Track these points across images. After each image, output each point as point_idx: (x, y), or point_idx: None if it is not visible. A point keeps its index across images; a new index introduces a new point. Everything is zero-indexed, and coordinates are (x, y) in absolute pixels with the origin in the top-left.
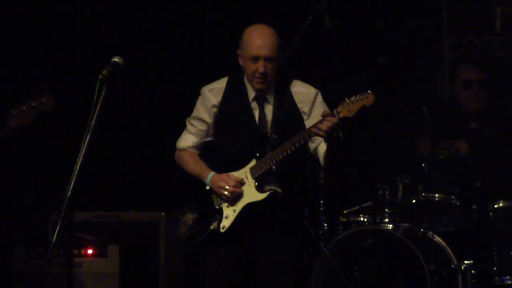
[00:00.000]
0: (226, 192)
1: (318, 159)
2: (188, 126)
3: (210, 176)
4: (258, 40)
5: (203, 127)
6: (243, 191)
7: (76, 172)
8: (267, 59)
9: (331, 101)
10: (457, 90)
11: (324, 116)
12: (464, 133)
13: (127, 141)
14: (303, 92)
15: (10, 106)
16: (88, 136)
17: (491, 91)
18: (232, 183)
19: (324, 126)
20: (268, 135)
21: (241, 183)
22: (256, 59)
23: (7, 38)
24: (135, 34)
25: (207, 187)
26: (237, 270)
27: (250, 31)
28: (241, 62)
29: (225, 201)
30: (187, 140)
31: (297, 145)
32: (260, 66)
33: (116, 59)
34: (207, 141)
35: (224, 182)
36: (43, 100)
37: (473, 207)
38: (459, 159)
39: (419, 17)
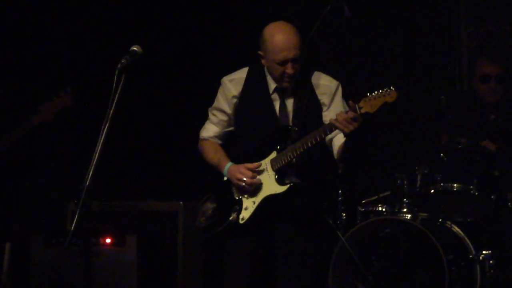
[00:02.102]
0: (244, 184)
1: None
2: (210, 116)
3: (227, 166)
4: (283, 43)
5: (224, 117)
6: (261, 181)
7: (94, 161)
8: (294, 60)
9: (350, 91)
10: (475, 83)
11: (347, 111)
12: (483, 125)
13: (146, 130)
14: (324, 84)
15: (35, 104)
16: (107, 125)
17: (509, 84)
18: (250, 174)
19: (346, 121)
20: (290, 127)
21: (257, 171)
22: (284, 63)
23: (24, 36)
24: (155, 23)
25: (225, 178)
26: (256, 261)
27: (271, 32)
28: (263, 62)
29: (244, 192)
30: (209, 130)
31: (318, 139)
32: (289, 68)
33: (135, 48)
34: (229, 131)
35: (242, 174)
36: (64, 98)
37: (492, 197)
38: (478, 149)
39: (437, 6)
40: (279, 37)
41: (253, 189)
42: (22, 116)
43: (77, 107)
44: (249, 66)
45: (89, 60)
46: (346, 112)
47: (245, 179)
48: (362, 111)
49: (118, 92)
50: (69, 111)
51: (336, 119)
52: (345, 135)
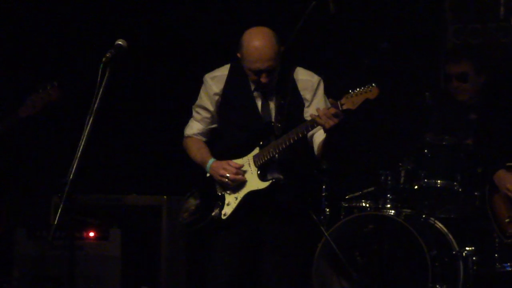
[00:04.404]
0: (227, 180)
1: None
2: (194, 113)
3: (209, 163)
4: (258, 54)
5: (207, 114)
6: (245, 178)
7: (78, 155)
8: (268, 71)
9: (334, 88)
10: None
11: (329, 107)
12: (464, 123)
13: (130, 124)
14: (306, 79)
15: (21, 97)
16: (91, 119)
17: (476, 83)
18: (234, 170)
19: (327, 116)
20: (272, 123)
21: (241, 169)
22: (257, 73)
23: (11, 29)
24: (141, 17)
25: (207, 174)
26: (240, 256)
27: (248, 39)
28: (242, 63)
29: (226, 188)
30: (193, 127)
31: (300, 135)
32: (263, 78)
33: (119, 42)
34: (213, 128)
35: (225, 170)
36: (50, 92)
37: (475, 193)
38: (461, 145)
39: (423, 3)
40: (255, 46)
41: (236, 185)
42: (9, 108)
43: (62, 101)
44: (231, 63)
45: (75, 53)
46: (328, 108)
47: (228, 175)
48: (344, 107)
49: (102, 86)
50: (55, 106)
51: (317, 114)
52: (325, 130)
